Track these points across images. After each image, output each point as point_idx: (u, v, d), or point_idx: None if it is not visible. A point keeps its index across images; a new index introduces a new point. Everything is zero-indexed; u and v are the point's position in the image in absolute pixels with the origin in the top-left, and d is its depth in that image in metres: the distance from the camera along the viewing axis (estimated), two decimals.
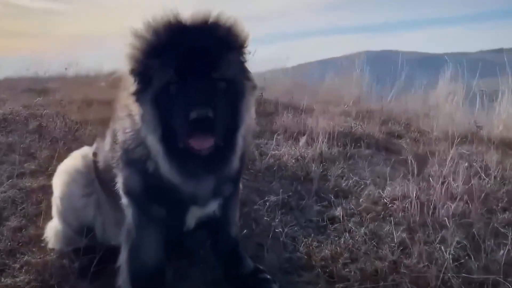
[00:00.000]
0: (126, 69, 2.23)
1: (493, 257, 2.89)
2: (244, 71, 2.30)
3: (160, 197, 2.38)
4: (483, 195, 3.67)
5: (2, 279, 2.69)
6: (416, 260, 2.87)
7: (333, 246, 3.07)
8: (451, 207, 3.42)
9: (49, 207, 3.34)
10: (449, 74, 8.22)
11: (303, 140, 5.02)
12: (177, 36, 2.11)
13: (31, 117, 6.00)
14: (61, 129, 5.30)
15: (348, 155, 4.83)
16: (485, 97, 7.55)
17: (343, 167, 4.47)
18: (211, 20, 2.17)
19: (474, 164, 4.39)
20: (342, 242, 3.12)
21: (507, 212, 3.56)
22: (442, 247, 2.95)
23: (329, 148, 4.90)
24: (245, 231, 3.17)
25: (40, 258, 2.87)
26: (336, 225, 3.38)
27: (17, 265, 2.81)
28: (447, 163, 4.22)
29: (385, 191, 3.83)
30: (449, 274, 2.70)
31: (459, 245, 3.00)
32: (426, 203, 3.50)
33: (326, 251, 3.01)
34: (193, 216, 2.54)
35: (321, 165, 4.49)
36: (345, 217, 3.45)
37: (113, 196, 2.59)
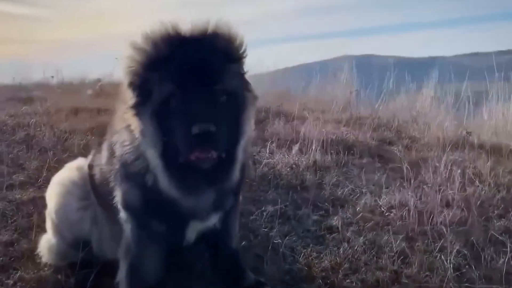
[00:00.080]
0: (124, 82, 2.19)
1: (494, 266, 2.90)
2: (244, 83, 2.27)
3: (160, 211, 2.33)
4: (478, 202, 3.68)
5: None
6: (417, 269, 2.86)
7: (333, 256, 3.04)
8: (448, 215, 3.42)
9: (41, 219, 3.27)
10: (434, 78, 8.31)
11: (296, 148, 5.00)
12: (177, 48, 2.08)
13: (18, 127, 5.86)
14: (50, 139, 5.19)
15: (342, 163, 4.81)
16: (471, 102, 7.64)
17: (337, 175, 4.45)
18: (210, 31, 2.14)
19: (467, 171, 4.39)
20: (341, 252, 3.09)
21: (503, 219, 3.57)
22: (442, 256, 2.95)
23: (322, 156, 4.87)
24: (243, 242, 3.12)
25: (34, 273, 2.78)
26: (334, 234, 3.36)
27: (11, 281, 2.72)
28: (442, 171, 4.24)
29: (381, 200, 3.82)
30: (451, 284, 2.69)
31: (459, 254, 3.00)
32: (423, 211, 3.50)
33: (326, 262, 2.97)
34: (194, 230, 2.50)
35: (316, 173, 4.47)
36: (343, 227, 3.42)
37: (110, 210, 2.53)
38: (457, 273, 2.82)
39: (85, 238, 2.74)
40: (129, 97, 2.16)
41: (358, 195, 4.02)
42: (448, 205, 3.70)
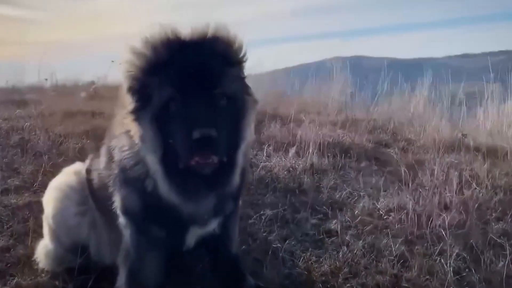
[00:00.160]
0: (123, 87, 2.17)
1: (493, 269, 2.90)
2: (244, 86, 2.25)
3: (160, 217, 2.31)
4: (476, 205, 3.68)
5: None
6: (417, 273, 2.86)
7: (332, 260, 3.03)
8: (447, 218, 3.41)
9: (37, 225, 3.25)
10: (427, 80, 8.34)
11: (292, 151, 4.99)
12: (177, 52, 2.06)
13: (12, 130, 5.80)
14: (45, 143, 5.14)
15: (339, 166, 4.80)
16: (464, 104, 7.67)
17: (335, 178, 4.44)
18: (209, 35, 2.12)
19: (464, 173, 4.40)
20: (340, 256, 3.08)
21: (501, 222, 3.58)
22: (442, 260, 2.94)
23: (319, 159, 4.87)
24: (243, 247, 3.11)
25: (31, 279, 2.76)
26: (333, 238, 3.35)
27: None
28: (439, 173, 4.24)
29: (379, 203, 3.81)
30: None
31: (458, 257, 3.00)
32: (421, 214, 3.49)
33: (326, 266, 2.97)
34: (194, 235, 2.48)
35: (313, 176, 4.46)
36: (342, 230, 3.41)
37: (109, 215, 2.50)
38: (457, 276, 2.82)
39: (83, 243, 2.71)
40: (128, 102, 2.13)
41: (356, 198, 4.01)
42: (446, 208, 3.70)
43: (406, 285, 2.75)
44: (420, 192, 3.90)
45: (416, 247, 3.15)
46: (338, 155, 5.05)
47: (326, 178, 4.39)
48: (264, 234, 3.36)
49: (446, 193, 3.85)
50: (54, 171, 4.18)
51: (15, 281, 2.74)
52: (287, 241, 3.26)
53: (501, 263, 2.90)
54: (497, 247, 3.18)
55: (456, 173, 4.20)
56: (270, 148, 5.14)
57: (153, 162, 2.13)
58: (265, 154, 4.92)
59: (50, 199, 2.79)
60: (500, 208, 3.76)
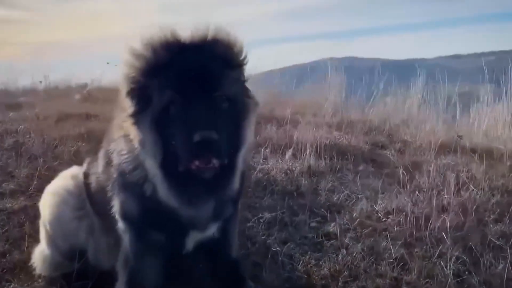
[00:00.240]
0: (123, 90, 2.14)
1: (493, 272, 2.88)
2: (244, 89, 2.23)
3: (159, 221, 2.28)
4: (474, 207, 3.67)
5: None
6: (416, 276, 2.84)
7: (332, 263, 3.01)
8: (445, 220, 3.40)
9: (33, 229, 3.22)
10: (421, 81, 8.36)
11: (289, 153, 4.97)
12: (177, 54, 2.04)
13: (6, 133, 5.77)
14: (39, 146, 5.10)
15: (336, 168, 4.79)
16: (458, 105, 7.69)
17: (332, 180, 4.42)
18: (210, 37, 2.10)
19: (461, 175, 4.39)
20: (340, 259, 3.06)
21: (499, 224, 3.56)
22: (442, 263, 2.93)
23: (316, 161, 4.85)
24: (242, 251, 3.08)
25: (27, 285, 2.74)
26: (332, 241, 3.33)
27: None
28: (436, 175, 4.24)
29: (378, 205, 3.80)
30: None
31: (458, 260, 2.99)
32: (420, 216, 3.48)
33: (325, 269, 2.95)
34: (193, 239, 2.46)
35: (311, 179, 4.44)
36: (341, 233, 3.40)
37: (107, 219, 2.47)
38: (457, 279, 2.80)
39: (81, 248, 2.68)
40: (127, 105, 2.10)
41: (354, 200, 4.00)
42: (444, 210, 3.69)
43: None
44: (418, 194, 3.89)
45: (416, 249, 3.14)
46: (335, 157, 5.04)
47: (324, 181, 4.38)
48: (263, 237, 3.34)
49: (444, 195, 3.85)
50: (49, 174, 4.15)
51: (11, 287, 2.72)
52: (286, 244, 3.25)
53: (501, 266, 2.89)
54: (496, 249, 3.17)
55: (453, 175, 4.20)
56: (267, 150, 5.12)
57: (152, 166, 2.11)
58: (262, 157, 4.91)
59: (46, 204, 2.76)
60: (498, 210, 3.75)
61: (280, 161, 4.82)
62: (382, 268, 2.96)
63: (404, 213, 3.53)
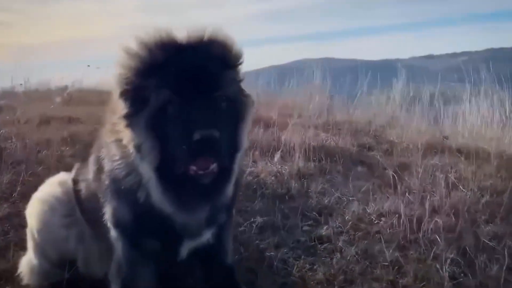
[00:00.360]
0: (115, 91, 2.07)
1: (488, 273, 2.87)
2: (241, 89, 2.19)
3: (153, 228, 2.22)
4: (465, 208, 3.68)
5: None
6: (412, 279, 2.82)
7: (326, 268, 2.97)
8: (438, 222, 3.39)
9: (18, 237, 3.13)
10: (401, 81, 8.43)
11: (277, 155, 4.93)
12: (173, 54, 1.98)
13: None
14: (22, 151, 4.96)
15: (325, 170, 4.76)
16: (437, 104, 7.77)
17: (322, 183, 4.39)
18: (206, 37, 2.05)
19: (450, 175, 4.40)
20: (334, 263, 3.03)
21: (490, 225, 3.56)
22: (437, 265, 2.92)
23: (305, 164, 4.82)
24: (235, 256, 3.03)
25: None
26: (325, 244, 3.29)
27: None
28: (425, 176, 4.24)
29: (369, 207, 3.77)
30: None
31: (452, 262, 2.97)
32: (412, 218, 3.47)
33: (320, 274, 2.91)
34: (187, 246, 2.39)
35: (301, 181, 4.41)
36: (334, 236, 3.37)
37: (98, 227, 2.40)
38: (454, 282, 2.79)
39: (71, 257, 2.60)
40: (120, 107, 2.03)
41: (345, 203, 3.97)
42: (434, 211, 3.68)
43: None
44: (408, 196, 3.88)
45: (410, 252, 3.13)
46: (324, 159, 5.01)
47: (314, 183, 4.34)
48: (256, 242, 3.29)
49: (434, 196, 3.84)
50: (33, 180, 4.06)
51: None
52: (279, 249, 3.20)
53: (496, 267, 2.88)
54: (489, 250, 3.16)
55: (442, 176, 4.20)
56: (256, 152, 5.06)
57: (147, 170, 2.03)
58: (251, 159, 4.85)
59: (34, 211, 2.66)
60: (488, 211, 3.75)
61: (269, 164, 4.77)
62: (378, 271, 2.93)
63: (396, 215, 3.51)
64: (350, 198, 4.03)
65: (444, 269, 2.84)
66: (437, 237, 3.24)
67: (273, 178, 4.45)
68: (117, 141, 2.12)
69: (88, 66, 12.37)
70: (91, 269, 2.61)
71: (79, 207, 2.57)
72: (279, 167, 4.68)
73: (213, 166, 1.95)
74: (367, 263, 3.04)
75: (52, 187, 2.73)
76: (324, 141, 5.73)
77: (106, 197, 2.27)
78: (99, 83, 11.83)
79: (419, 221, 3.44)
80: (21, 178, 4.11)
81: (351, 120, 7.40)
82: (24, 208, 2.83)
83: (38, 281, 2.70)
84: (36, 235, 2.62)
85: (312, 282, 2.84)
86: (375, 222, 3.58)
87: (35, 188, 2.85)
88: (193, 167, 1.93)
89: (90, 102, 8.66)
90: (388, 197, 3.91)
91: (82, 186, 2.53)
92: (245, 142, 2.19)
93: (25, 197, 3.41)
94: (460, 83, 8.40)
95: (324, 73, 9.29)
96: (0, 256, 3.05)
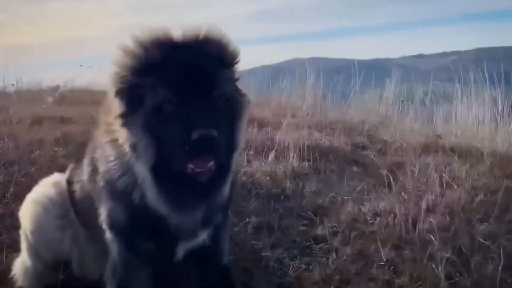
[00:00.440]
0: (111, 90, 2.04)
1: (483, 272, 2.88)
2: (237, 89, 2.18)
3: (148, 230, 2.20)
4: (460, 207, 3.68)
5: None
6: (408, 279, 2.82)
7: (322, 268, 2.97)
8: (433, 221, 3.39)
9: (11, 239, 3.10)
10: (394, 80, 8.46)
11: (272, 155, 4.92)
12: (170, 53, 1.96)
13: None
14: (14, 151, 4.91)
15: (320, 169, 4.76)
16: (431, 104, 7.80)
17: (317, 182, 4.39)
18: (202, 36, 2.04)
19: (444, 175, 4.41)
20: (330, 263, 3.03)
21: (485, 224, 3.56)
22: (433, 265, 2.91)
23: (299, 163, 4.82)
24: (231, 257, 3.02)
25: None
26: (321, 244, 3.29)
27: None
28: (419, 176, 4.24)
29: (364, 207, 3.77)
30: None
31: (448, 261, 2.97)
32: (407, 218, 3.47)
33: (316, 274, 2.90)
34: (183, 247, 2.37)
35: (295, 181, 4.40)
36: (329, 236, 3.36)
37: (93, 228, 2.38)
38: (450, 281, 2.79)
39: (65, 258, 2.58)
40: (116, 107, 2.01)
41: (340, 202, 3.96)
42: (429, 210, 3.68)
43: None
44: (404, 195, 3.88)
45: (406, 252, 3.13)
46: (318, 159, 5.01)
47: (309, 183, 4.34)
48: (251, 242, 3.28)
49: (429, 196, 3.84)
50: (26, 181, 4.02)
51: None
52: (275, 249, 3.19)
53: (491, 266, 2.89)
54: (484, 249, 3.17)
55: (436, 175, 4.20)
56: (251, 152, 5.05)
57: (142, 169, 2.01)
58: (245, 159, 4.83)
59: (28, 213, 2.63)
60: (482, 210, 3.75)
61: (263, 164, 4.76)
62: (373, 271, 2.93)
63: (392, 215, 3.51)
64: (345, 198, 4.03)
65: (440, 268, 2.84)
66: (432, 236, 3.24)
67: (267, 178, 4.44)
68: (112, 141, 2.10)
69: (80, 65, 12.29)
70: (86, 271, 2.59)
71: (74, 208, 2.54)
72: (274, 166, 4.66)
73: (211, 164, 1.93)
74: (363, 263, 3.03)
75: (46, 188, 2.70)
76: (318, 141, 5.72)
77: (101, 198, 2.25)
78: (91, 83, 11.76)
79: (414, 220, 3.44)
80: (13, 179, 4.06)
81: (344, 119, 7.40)
82: (17, 209, 2.80)
83: (32, 283, 2.67)
84: (29, 237, 2.59)
85: (308, 283, 2.83)
86: (370, 222, 3.58)
87: (28, 188, 2.82)
88: (191, 165, 1.92)
89: (82, 102, 8.60)
90: (383, 197, 3.90)
91: (77, 187, 2.50)
92: (241, 141, 2.19)
93: (18, 198, 3.38)
94: (450, 82, 8.45)
95: (316, 72, 9.30)
96: None
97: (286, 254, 3.16)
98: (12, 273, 2.72)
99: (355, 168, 4.92)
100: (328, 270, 2.93)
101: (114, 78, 2.00)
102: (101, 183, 2.22)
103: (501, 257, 2.88)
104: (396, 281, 2.83)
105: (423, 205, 3.56)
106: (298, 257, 3.13)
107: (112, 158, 2.14)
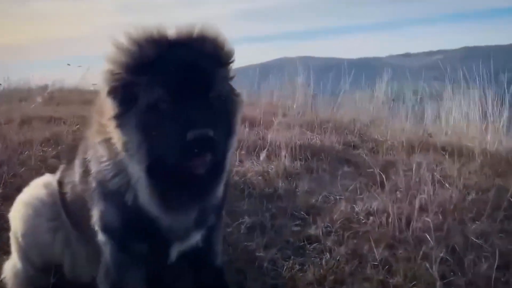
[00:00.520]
0: (103, 90, 2.01)
1: (477, 271, 2.88)
2: (232, 88, 2.17)
3: (141, 232, 2.17)
4: (452, 206, 3.69)
5: None
6: (402, 278, 2.82)
7: (316, 268, 2.95)
8: (426, 220, 3.39)
9: (1, 241, 3.06)
10: (384, 79, 8.46)
11: (263, 155, 4.89)
12: (165, 51, 1.93)
13: None
14: (3, 152, 4.83)
15: (312, 169, 4.74)
16: (424, 102, 7.81)
17: (309, 182, 4.36)
18: (196, 35, 2.02)
19: (436, 174, 4.41)
20: (324, 263, 3.01)
21: (477, 222, 3.57)
22: (427, 264, 2.91)
23: (291, 162, 4.79)
24: (224, 257, 2.99)
25: None
26: (314, 244, 3.28)
27: None
28: (411, 174, 4.23)
29: (357, 206, 3.76)
30: None
31: (441, 261, 2.97)
32: (400, 217, 3.46)
33: (310, 274, 2.89)
34: (176, 249, 2.34)
35: (287, 180, 4.38)
36: (323, 236, 3.35)
37: (85, 230, 2.35)
38: (444, 281, 2.79)
39: (57, 261, 2.54)
40: (109, 107, 1.97)
41: (332, 202, 3.95)
42: (422, 209, 3.67)
43: None
44: (396, 194, 3.88)
45: (399, 251, 3.12)
46: (310, 158, 4.99)
47: (301, 182, 4.32)
48: (244, 243, 3.26)
49: (421, 195, 3.83)
50: (15, 182, 3.96)
51: None
52: (268, 249, 3.17)
53: (485, 265, 2.89)
54: (477, 248, 3.17)
55: (428, 174, 4.20)
56: (243, 152, 5.02)
57: (136, 169, 1.99)
58: (237, 159, 4.80)
59: (18, 215, 2.59)
60: (474, 208, 3.75)
61: (255, 163, 4.73)
62: (368, 271, 2.92)
63: (385, 214, 3.50)
64: (338, 197, 4.02)
65: (434, 268, 2.83)
66: (426, 235, 3.23)
67: (260, 177, 4.41)
68: (105, 141, 2.06)
69: (69, 65, 12.13)
70: (78, 274, 2.56)
71: (65, 210, 2.51)
72: (266, 166, 4.64)
73: (207, 156, 1.91)
74: (357, 262, 3.03)
75: (36, 189, 2.66)
76: (310, 140, 5.70)
77: (93, 199, 2.22)
78: (80, 82, 11.64)
79: (408, 220, 3.44)
80: (2, 180, 3.99)
81: (335, 118, 7.37)
82: (6, 211, 2.77)
83: (23, 286, 2.64)
84: (20, 239, 2.55)
85: (302, 283, 2.82)
86: (364, 221, 3.56)
87: (17, 190, 2.79)
88: (189, 163, 1.90)
89: (71, 101, 8.51)
90: (375, 196, 3.89)
91: (68, 188, 2.47)
92: (235, 140, 2.18)
93: (7, 199, 3.34)
94: (438, 81, 8.47)
95: (306, 71, 9.26)
96: None
97: (279, 255, 3.14)
98: (2, 276, 2.69)
99: (347, 168, 4.90)
100: (322, 270, 2.92)
101: (107, 76, 1.97)
102: (94, 184, 2.18)
103: (496, 256, 2.88)
104: (390, 280, 2.82)
105: (416, 204, 3.55)
106: (292, 257, 3.11)
107: (104, 159, 2.10)
